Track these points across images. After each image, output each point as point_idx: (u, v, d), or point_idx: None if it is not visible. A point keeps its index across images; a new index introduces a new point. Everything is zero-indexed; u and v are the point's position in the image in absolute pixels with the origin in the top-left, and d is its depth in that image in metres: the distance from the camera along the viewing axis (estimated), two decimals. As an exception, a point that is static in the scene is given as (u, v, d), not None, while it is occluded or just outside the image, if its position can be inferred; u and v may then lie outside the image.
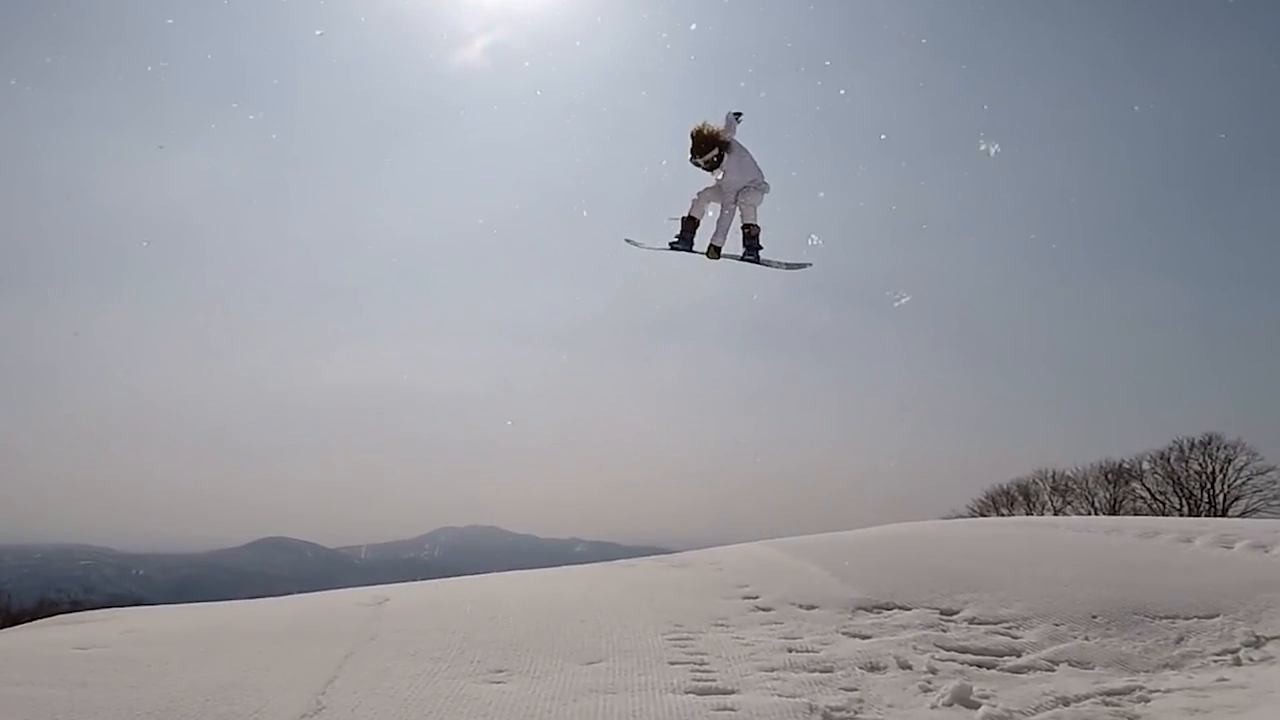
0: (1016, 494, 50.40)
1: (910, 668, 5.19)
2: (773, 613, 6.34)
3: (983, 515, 51.31)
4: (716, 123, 6.20)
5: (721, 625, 5.99)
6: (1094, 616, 6.20)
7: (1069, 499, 49.03)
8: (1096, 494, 48.46)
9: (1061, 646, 5.67)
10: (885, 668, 5.17)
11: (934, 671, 5.15)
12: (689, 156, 6.24)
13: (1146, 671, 5.36)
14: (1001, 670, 5.29)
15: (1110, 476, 47.99)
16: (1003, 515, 50.65)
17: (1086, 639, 5.84)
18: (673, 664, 5.09)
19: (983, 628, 6.06)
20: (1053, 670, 5.33)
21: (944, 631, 5.97)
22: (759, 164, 6.37)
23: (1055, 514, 49.03)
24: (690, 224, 6.39)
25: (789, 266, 6.50)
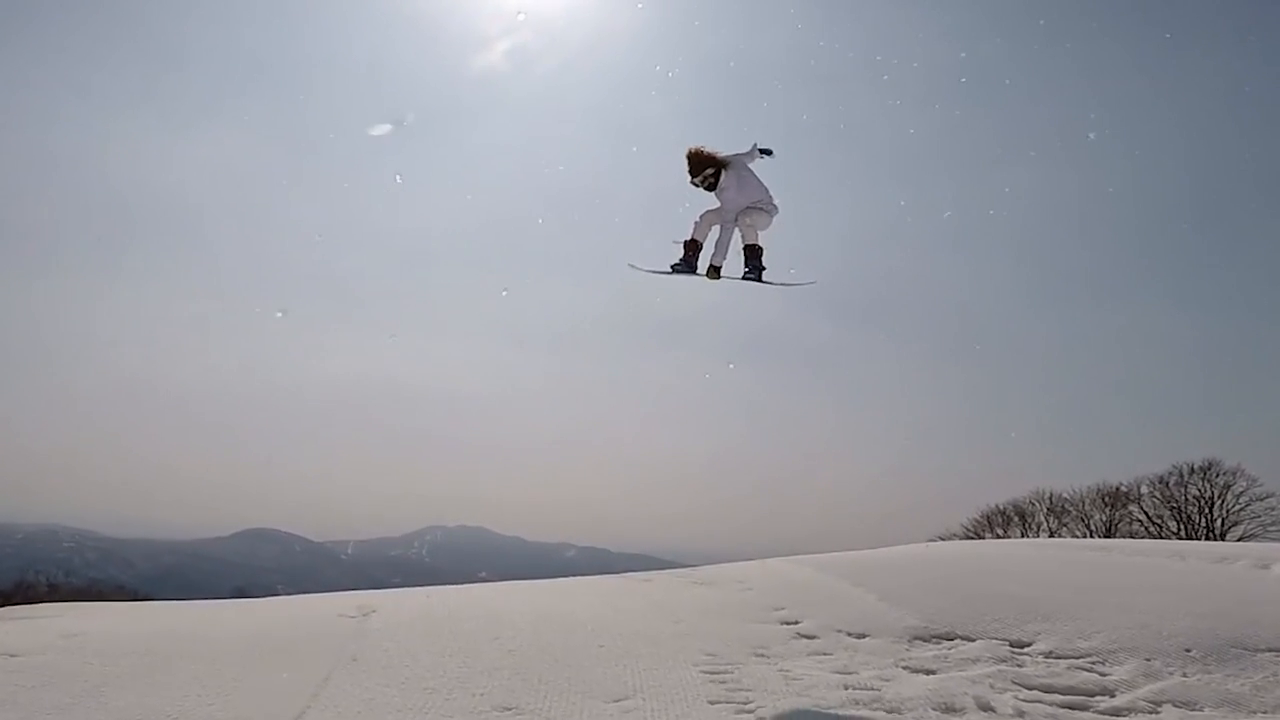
0: (1012, 514, 49.70)
1: (993, 709, 4.31)
2: (818, 641, 5.44)
3: (978, 535, 50.58)
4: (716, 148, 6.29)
5: (762, 655, 5.09)
6: (1188, 650, 5.31)
7: (1065, 520, 48.34)
8: (1092, 516, 47.80)
9: (1160, 685, 4.79)
10: (963, 710, 4.29)
11: (1021, 715, 4.28)
12: (688, 178, 6.30)
13: (1265, 713, 4.51)
14: (1097, 713, 4.41)
15: (1107, 499, 47.34)
16: (999, 535, 49.96)
17: (1185, 675, 4.96)
18: (712, 703, 4.21)
19: (1063, 663, 5.18)
20: (1156, 712, 4.45)
21: (1019, 666, 5.09)
22: (766, 185, 6.35)
23: (1051, 535, 48.36)
24: (693, 247, 6.38)
25: (792, 284, 6.43)
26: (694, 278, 6.45)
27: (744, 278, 6.42)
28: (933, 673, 4.92)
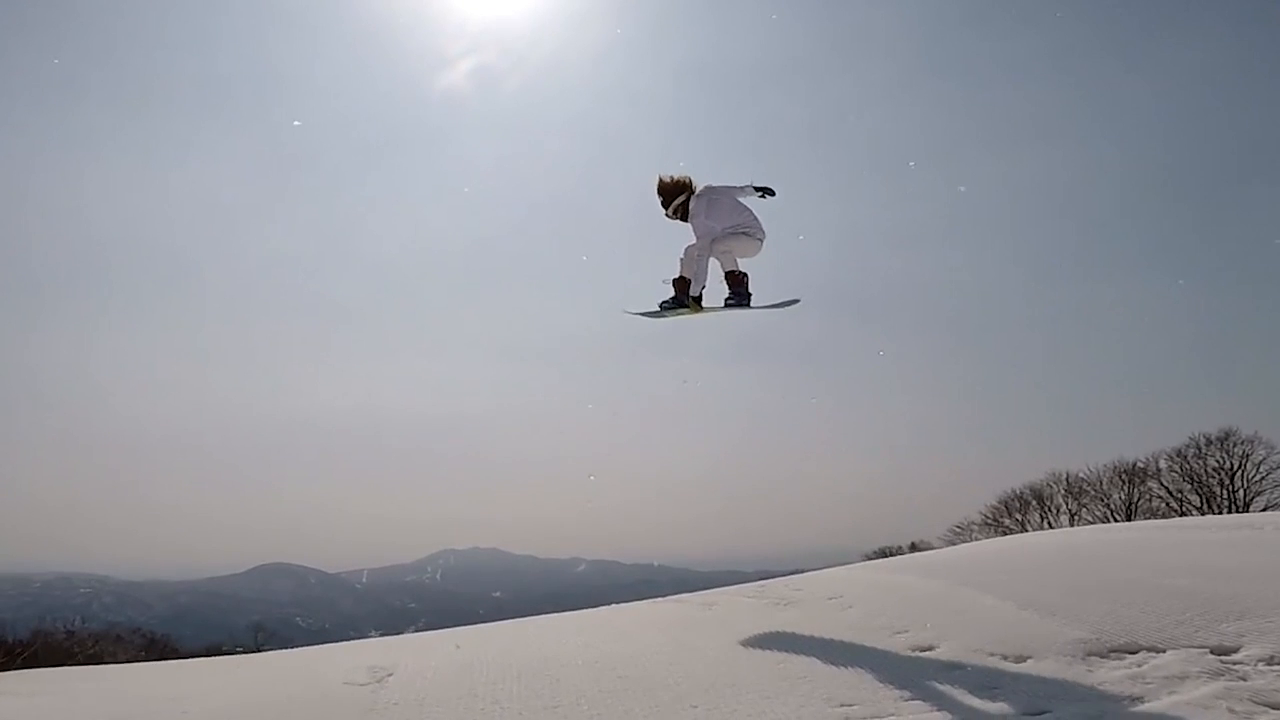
0: (1030, 497, 48.34)
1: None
2: (971, 671, 4.08)
3: (997, 523, 49.21)
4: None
5: (913, 698, 3.74)
6: None
7: (1084, 501, 46.98)
8: (1111, 495, 46.45)
9: None
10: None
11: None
12: (662, 212, 6.10)
13: None
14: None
15: (1125, 476, 46.00)
16: (1018, 521, 48.56)
17: None
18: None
19: (1295, 674, 3.86)
20: None
21: (1243, 680, 3.75)
22: (750, 209, 6.06)
23: (1071, 517, 46.96)
24: (683, 284, 6.17)
25: (777, 305, 6.26)
26: (688, 315, 6.26)
27: (725, 305, 6.15)
28: (1140, 699, 3.60)
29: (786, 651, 4.47)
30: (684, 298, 6.20)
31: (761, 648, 4.58)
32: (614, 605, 6.89)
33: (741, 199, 6.07)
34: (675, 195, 6.07)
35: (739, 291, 6.17)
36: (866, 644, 4.57)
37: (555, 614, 6.53)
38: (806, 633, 4.86)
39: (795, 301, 6.40)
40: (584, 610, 6.58)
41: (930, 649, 4.47)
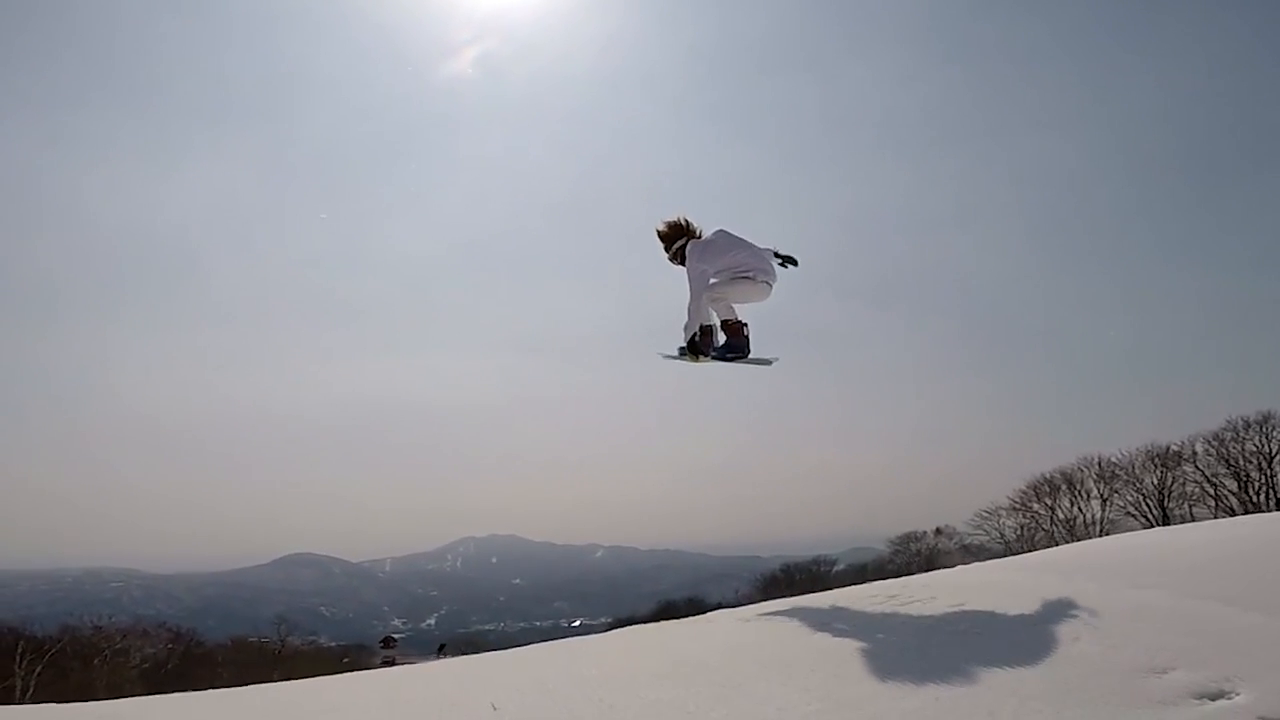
0: (1060, 481, 46.48)
1: None
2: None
3: (1025, 505, 47.44)
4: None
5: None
6: None
7: (1115, 486, 45.09)
8: (1143, 480, 44.53)
9: None
10: None
11: None
12: (665, 257, 5.70)
13: None
14: None
15: (1158, 461, 44.03)
16: (1047, 505, 46.78)
17: None
18: None
19: None
20: None
21: None
22: (755, 246, 5.53)
23: (1102, 502, 45.09)
24: (705, 332, 5.66)
25: (756, 362, 5.88)
26: (690, 362, 5.83)
27: (713, 357, 5.71)
28: None
29: (995, 708, 2.90)
30: (689, 345, 5.66)
31: (961, 700, 3.01)
32: (677, 622, 5.36)
33: (724, 232, 5.55)
34: (674, 240, 5.54)
35: (732, 344, 5.69)
36: (1132, 691, 3.00)
37: (589, 637, 4.99)
38: (1055, 684, 3.25)
39: (774, 360, 5.94)
40: (625, 630, 5.05)
41: (1224, 696, 2.92)
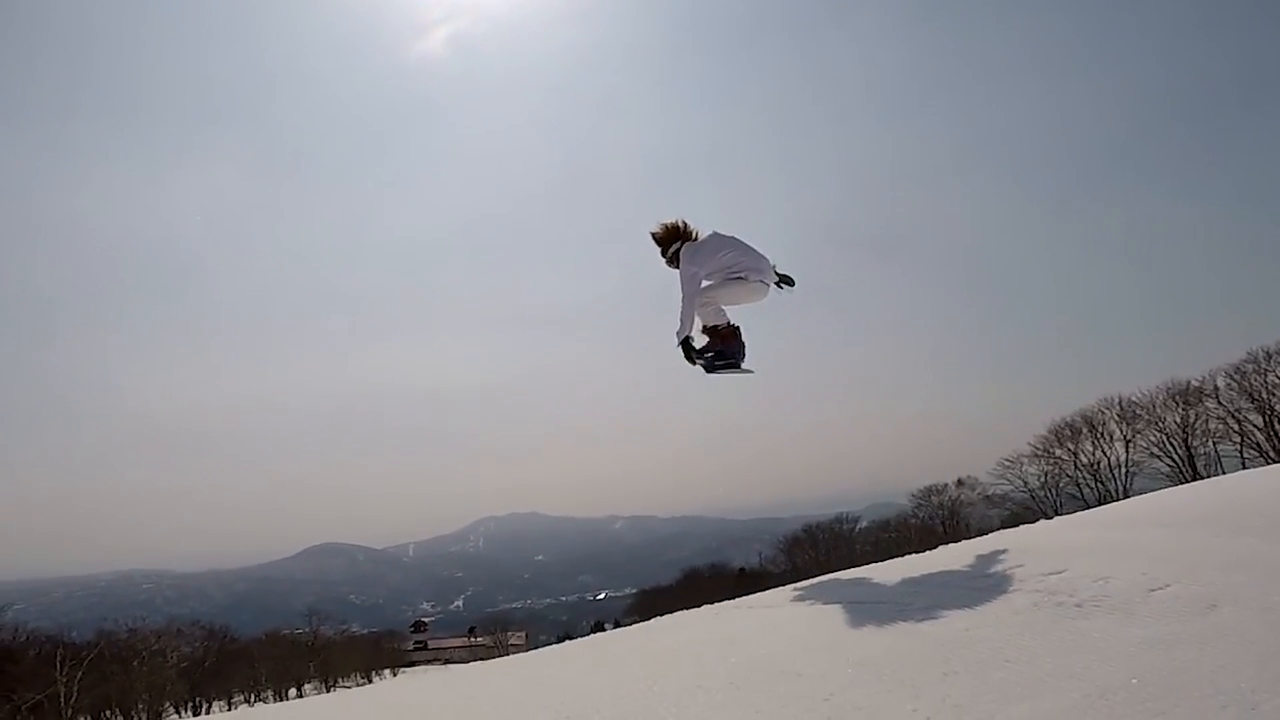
0: (1081, 424, 45.69)
1: None
2: None
3: (1048, 451, 46.76)
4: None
5: None
6: None
7: (1137, 426, 44.25)
8: (1165, 419, 43.62)
9: None
10: None
11: None
12: (662, 261, 5.51)
13: None
14: None
15: (1179, 398, 43.06)
16: (1070, 450, 46.09)
17: None
18: None
19: None
20: None
21: None
22: (751, 247, 5.32)
23: (1125, 444, 44.33)
24: (712, 333, 5.57)
25: (736, 372, 5.68)
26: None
27: (699, 362, 5.50)
28: None
29: None
30: (681, 348, 5.40)
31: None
32: (745, 611, 4.78)
33: (715, 232, 5.37)
34: (669, 243, 5.38)
35: (725, 351, 5.52)
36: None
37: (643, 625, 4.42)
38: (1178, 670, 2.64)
39: (749, 372, 5.73)
40: (689, 617, 4.47)
41: None
